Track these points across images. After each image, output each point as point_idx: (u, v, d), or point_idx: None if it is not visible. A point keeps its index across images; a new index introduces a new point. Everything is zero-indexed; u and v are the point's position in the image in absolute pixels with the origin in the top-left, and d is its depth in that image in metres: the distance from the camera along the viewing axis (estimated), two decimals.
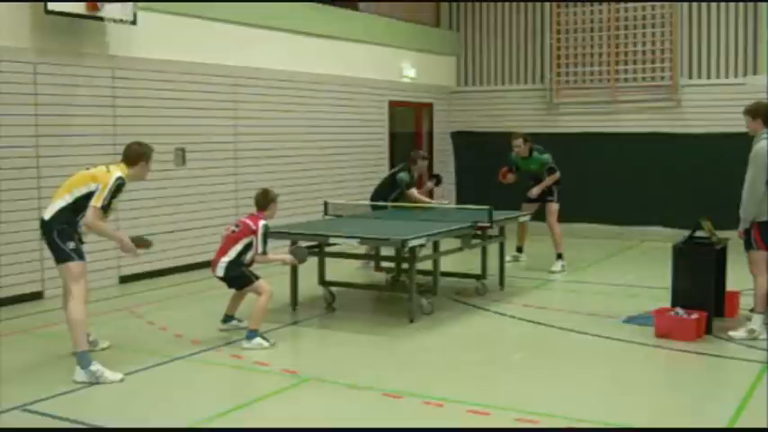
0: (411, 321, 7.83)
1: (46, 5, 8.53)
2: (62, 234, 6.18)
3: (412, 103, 15.28)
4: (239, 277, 7.16)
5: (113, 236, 6.52)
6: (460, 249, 8.78)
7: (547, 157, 10.88)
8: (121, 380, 6.02)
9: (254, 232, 7.10)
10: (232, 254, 7.11)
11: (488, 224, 8.66)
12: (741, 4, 13.75)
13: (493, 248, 9.65)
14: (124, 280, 9.83)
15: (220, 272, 7.13)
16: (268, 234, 7.20)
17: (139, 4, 9.49)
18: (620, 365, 6.55)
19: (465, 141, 15.87)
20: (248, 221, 7.19)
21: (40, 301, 8.79)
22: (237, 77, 11.34)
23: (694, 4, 14.15)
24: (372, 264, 10.33)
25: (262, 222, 7.15)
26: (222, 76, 11.08)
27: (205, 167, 10.91)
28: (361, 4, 14.09)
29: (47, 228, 6.23)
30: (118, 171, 6.30)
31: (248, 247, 7.13)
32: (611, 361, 6.66)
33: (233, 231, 7.19)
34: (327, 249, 8.54)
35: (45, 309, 8.48)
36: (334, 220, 9.59)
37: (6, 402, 5.55)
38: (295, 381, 6.06)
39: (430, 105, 15.75)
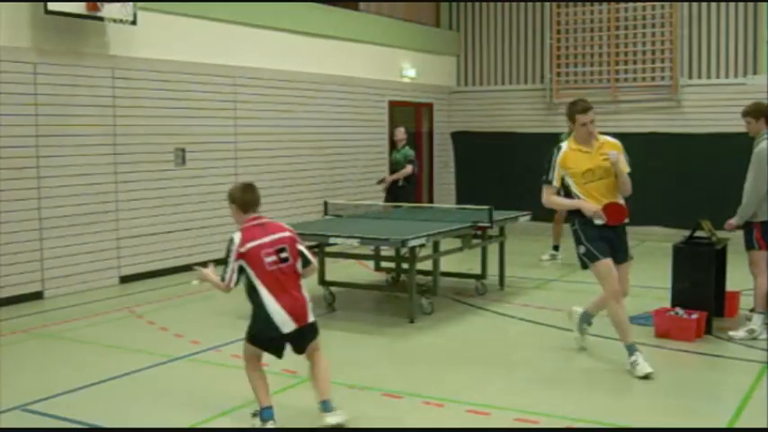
0: (411, 321, 7.83)
1: (46, 5, 8.53)
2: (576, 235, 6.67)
3: (412, 103, 15.27)
4: None
5: (573, 205, 6.72)
6: (460, 249, 8.78)
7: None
8: None
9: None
10: None
11: (488, 224, 8.66)
12: (741, 4, 13.74)
13: (493, 248, 9.65)
14: (124, 280, 9.83)
15: None
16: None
17: (139, 4, 9.49)
18: (620, 365, 6.54)
19: (465, 141, 15.86)
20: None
21: (40, 301, 8.79)
22: (237, 77, 11.34)
23: (694, 4, 14.14)
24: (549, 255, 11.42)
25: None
26: (222, 76, 11.08)
27: (205, 167, 10.91)
28: (361, 4, 14.09)
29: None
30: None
31: None
32: (611, 361, 6.65)
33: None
34: (327, 249, 8.55)
35: (45, 309, 8.48)
36: (334, 219, 9.59)
37: (6, 402, 5.55)
38: (295, 381, 6.05)
39: (430, 105, 15.74)
